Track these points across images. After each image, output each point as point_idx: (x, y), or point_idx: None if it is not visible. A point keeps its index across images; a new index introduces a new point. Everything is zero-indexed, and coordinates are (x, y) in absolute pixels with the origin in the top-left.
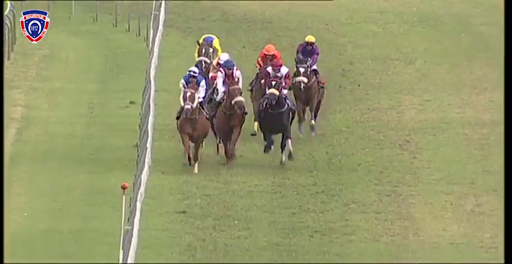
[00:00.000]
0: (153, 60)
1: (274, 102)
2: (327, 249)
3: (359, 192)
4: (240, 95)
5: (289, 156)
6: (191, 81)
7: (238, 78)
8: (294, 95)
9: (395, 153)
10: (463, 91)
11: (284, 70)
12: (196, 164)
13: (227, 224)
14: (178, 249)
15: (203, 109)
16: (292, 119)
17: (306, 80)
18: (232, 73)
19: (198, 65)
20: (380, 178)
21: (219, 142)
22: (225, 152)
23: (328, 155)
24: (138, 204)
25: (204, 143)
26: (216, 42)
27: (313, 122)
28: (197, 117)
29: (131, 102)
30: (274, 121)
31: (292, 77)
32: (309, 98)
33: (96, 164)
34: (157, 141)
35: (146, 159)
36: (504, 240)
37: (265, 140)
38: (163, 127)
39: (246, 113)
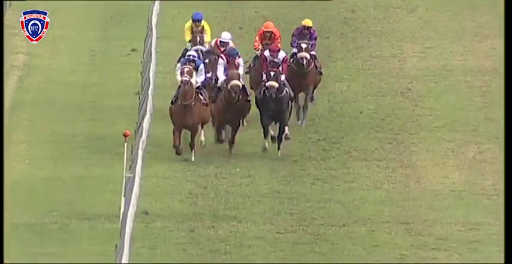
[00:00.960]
0: (154, 8)
1: (274, 95)
2: (328, 197)
3: (360, 140)
4: (238, 80)
5: (286, 137)
6: (188, 65)
7: (239, 65)
8: (289, 80)
9: (397, 100)
10: (465, 38)
11: (282, 55)
12: (193, 152)
13: (229, 171)
14: (180, 197)
15: (201, 95)
16: (291, 107)
17: (308, 56)
18: (235, 61)
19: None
20: (382, 126)
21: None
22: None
23: (329, 102)
24: (140, 152)
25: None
26: (205, 23)
27: (309, 102)
28: (193, 103)
29: (133, 50)
30: (273, 107)
31: (291, 58)
32: (306, 83)
33: (98, 112)
34: (159, 89)
35: (148, 107)
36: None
37: (264, 133)
38: (165, 75)
39: (249, 100)
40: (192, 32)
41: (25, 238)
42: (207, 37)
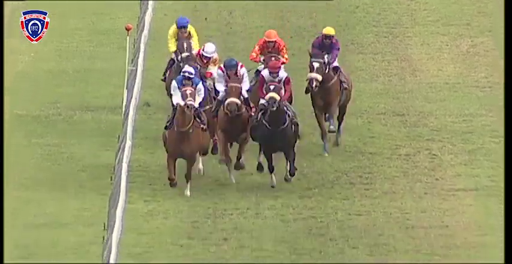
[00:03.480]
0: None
1: (275, 109)
2: None
3: (357, 34)
4: (236, 95)
5: (288, 175)
6: (185, 84)
7: (242, 76)
8: (312, 100)
9: None
10: None
11: (282, 74)
12: (189, 185)
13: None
14: None
15: (198, 118)
16: (297, 133)
17: (320, 77)
18: (236, 72)
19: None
20: (378, 19)
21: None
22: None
23: None
24: (142, 46)
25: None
26: (191, 28)
27: (332, 127)
28: (191, 129)
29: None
30: (273, 140)
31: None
32: (328, 102)
33: (102, 5)
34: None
35: (150, 2)
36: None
37: (266, 159)
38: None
39: (251, 116)
40: (178, 38)
41: (29, 129)
42: (194, 43)
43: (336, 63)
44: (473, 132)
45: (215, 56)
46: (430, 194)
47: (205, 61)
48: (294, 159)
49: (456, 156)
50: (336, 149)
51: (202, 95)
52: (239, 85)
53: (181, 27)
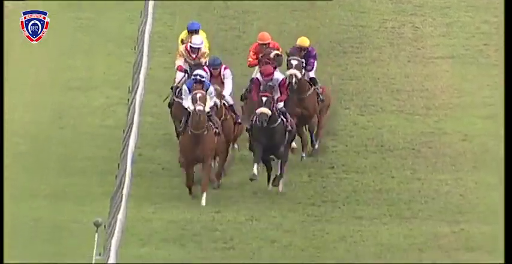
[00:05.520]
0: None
1: (266, 124)
2: None
3: None
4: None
5: (275, 180)
6: (196, 88)
7: (224, 77)
8: (289, 108)
9: None
10: None
11: (278, 76)
12: (204, 195)
13: None
14: None
15: (212, 122)
16: (290, 140)
17: (299, 74)
18: (220, 73)
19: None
20: None
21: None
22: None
23: None
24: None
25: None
26: (202, 33)
27: (316, 146)
28: (205, 132)
29: None
30: (265, 139)
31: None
32: (305, 114)
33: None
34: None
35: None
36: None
37: (254, 161)
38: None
39: (238, 122)
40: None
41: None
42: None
43: (312, 74)
44: (450, 7)
45: (203, 48)
46: (413, 62)
47: (194, 55)
48: (286, 161)
49: (436, 29)
50: (329, 23)
51: (214, 98)
52: (218, 88)
53: (192, 31)
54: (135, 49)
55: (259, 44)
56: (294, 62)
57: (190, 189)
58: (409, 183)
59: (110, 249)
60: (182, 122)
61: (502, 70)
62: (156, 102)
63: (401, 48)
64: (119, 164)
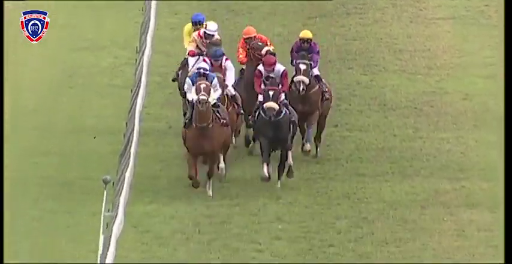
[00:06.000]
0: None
1: (274, 119)
2: None
3: None
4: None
5: (288, 173)
6: (200, 80)
7: (225, 69)
8: (291, 106)
9: None
10: None
11: (279, 68)
12: (211, 185)
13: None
14: None
15: (218, 113)
16: (294, 132)
17: (307, 80)
18: (221, 64)
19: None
20: None
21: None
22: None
23: None
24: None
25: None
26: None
27: (307, 146)
28: (211, 124)
29: None
30: (270, 132)
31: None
32: (307, 111)
33: None
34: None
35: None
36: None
37: (263, 158)
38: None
39: (242, 114)
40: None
41: None
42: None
43: (317, 71)
44: None
45: (217, 36)
46: (415, 22)
47: (207, 41)
48: (290, 149)
49: None
50: None
51: (219, 91)
52: (222, 76)
53: (197, 22)
54: (142, 10)
55: (244, 39)
56: (303, 67)
57: (194, 183)
58: (411, 142)
59: (118, 206)
60: (187, 116)
61: (502, 31)
62: (163, 62)
63: (404, 9)
64: (126, 123)
